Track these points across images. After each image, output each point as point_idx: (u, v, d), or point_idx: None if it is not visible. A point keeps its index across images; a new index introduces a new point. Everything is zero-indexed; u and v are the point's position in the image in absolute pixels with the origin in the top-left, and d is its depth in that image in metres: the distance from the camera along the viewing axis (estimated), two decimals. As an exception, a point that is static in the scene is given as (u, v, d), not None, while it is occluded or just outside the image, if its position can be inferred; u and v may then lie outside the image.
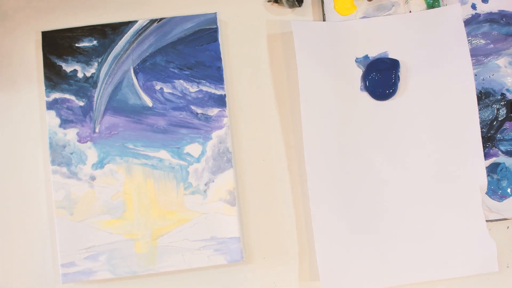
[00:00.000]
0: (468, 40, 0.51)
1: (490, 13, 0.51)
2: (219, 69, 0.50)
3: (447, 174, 0.48)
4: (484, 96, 0.50)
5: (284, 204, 0.50)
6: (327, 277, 0.47)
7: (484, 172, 0.48)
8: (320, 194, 0.48)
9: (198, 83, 0.50)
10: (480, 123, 0.49)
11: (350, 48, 0.50)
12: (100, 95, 0.50)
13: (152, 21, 0.51)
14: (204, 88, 0.50)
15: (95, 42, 0.51)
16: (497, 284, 0.49)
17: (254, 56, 0.52)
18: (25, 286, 0.49)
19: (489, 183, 0.49)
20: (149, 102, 0.50)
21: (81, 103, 0.50)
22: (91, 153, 0.49)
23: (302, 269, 0.49)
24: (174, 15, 0.51)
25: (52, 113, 0.49)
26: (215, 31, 0.51)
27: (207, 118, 0.50)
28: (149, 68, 0.50)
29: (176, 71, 0.50)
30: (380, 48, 0.50)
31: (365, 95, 0.50)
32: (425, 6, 0.51)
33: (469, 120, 0.48)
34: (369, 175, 0.49)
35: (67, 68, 0.50)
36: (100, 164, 0.49)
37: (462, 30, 0.50)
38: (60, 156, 0.49)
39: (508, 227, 0.50)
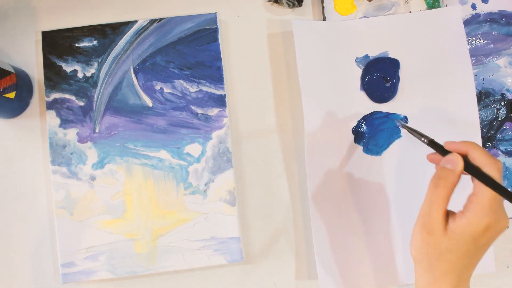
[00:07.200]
0: (468, 40, 0.51)
1: (490, 13, 0.51)
2: (219, 69, 0.50)
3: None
4: (484, 96, 0.50)
5: (284, 204, 0.50)
6: (325, 277, 0.47)
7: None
8: (320, 194, 0.48)
9: (198, 83, 0.50)
10: (480, 123, 0.49)
11: (350, 48, 0.50)
12: (100, 95, 0.50)
13: (152, 21, 0.51)
14: (204, 88, 0.50)
15: (95, 42, 0.50)
16: (497, 284, 0.49)
17: (254, 56, 0.52)
18: (25, 286, 0.49)
19: (489, 183, 0.49)
20: (149, 102, 0.50)
21: (81, 103, 0.50)
22: (91, 153, 0.49)
23: (301, 268, 0.49)
24: (174, 15, 0.51)
25: (52, 113, 0.49)
26: (215, 31, 0.51)
27: (207, 118, 0.50)
28: (149, 68, 0.50)
29: (176, 71, 0.50)
30: (380, 48, 0.50)
31: (365, 94, 0.50)
32: (425, 6, 0.51)
33: (469, 120, 0.48)
34: (368, 175, 0.49)
35: (67, 68, 0.50)
36: (100, 164, 0.49)
37: (462, 30, 0.50)
38: (60, 156, 0.49)
39: (508, 227, 0.50)
